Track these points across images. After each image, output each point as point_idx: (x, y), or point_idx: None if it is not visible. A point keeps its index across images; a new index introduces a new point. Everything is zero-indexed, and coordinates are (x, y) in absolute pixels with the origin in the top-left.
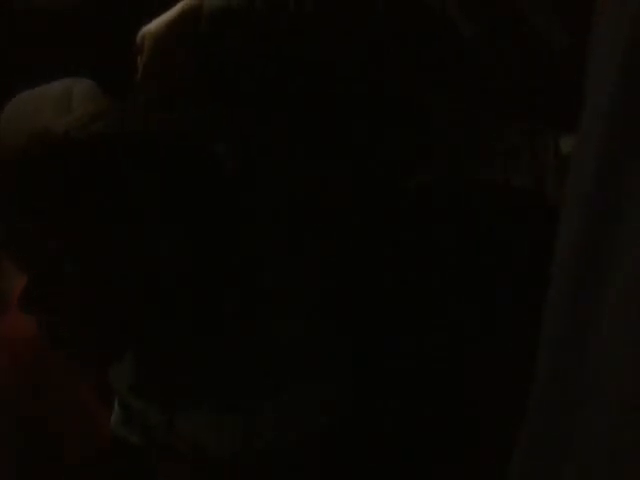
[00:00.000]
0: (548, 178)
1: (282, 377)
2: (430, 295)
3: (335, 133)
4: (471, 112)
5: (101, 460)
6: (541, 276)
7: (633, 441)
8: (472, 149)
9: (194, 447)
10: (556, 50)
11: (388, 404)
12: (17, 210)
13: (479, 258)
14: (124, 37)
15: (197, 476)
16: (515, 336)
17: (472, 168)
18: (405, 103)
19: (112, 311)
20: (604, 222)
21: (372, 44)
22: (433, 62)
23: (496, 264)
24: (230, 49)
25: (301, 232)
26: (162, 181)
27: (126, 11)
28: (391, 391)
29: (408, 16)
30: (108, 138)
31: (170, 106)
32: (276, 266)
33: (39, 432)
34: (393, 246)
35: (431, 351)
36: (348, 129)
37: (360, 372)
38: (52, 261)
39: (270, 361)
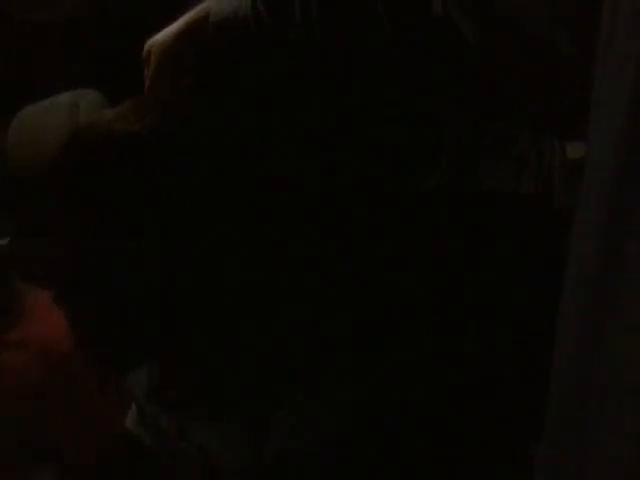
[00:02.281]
0: (555, 183)
1: (293, 388)
2: (434, 298)
3: (337, 137)
4: (473, 117)
5: (101, 460)
6: (547, 280)
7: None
8: (476, 153)
9: (203, 456)
10: (558, 52)
11: (396, 415)
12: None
13: (485, 262)
14: (128, 48)
15: None
16: (517, 339)
17: (476, 173)
18: (407, 105)
19: (129, 320)
20: (621, 223)
21: (375, 48)
22: (436, 63)
23: (501, 268)
24: (236, 58)
25: (304, 234)
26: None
27: (129, 22)
28: (399, 401)
29: (409, 18)
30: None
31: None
32: (285, 274)
33: (45, 431)
34: (396, 250)
35: (433, 354)
36: (350, 132)
37: (369, 380)
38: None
39: (282, 372)
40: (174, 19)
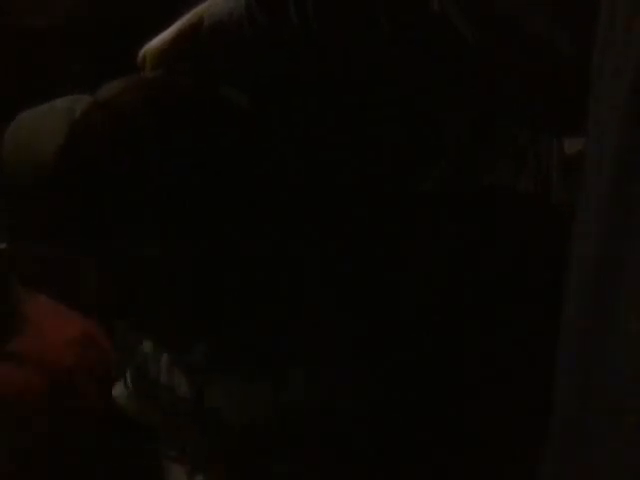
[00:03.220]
0: (552, 181)
1: (311, 346)
2: (434, 298)
3: (335, 137)
4: (472, 116)
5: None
6: (547, 280)
7: None
8: (475, 152)
9: (219, 418)
10: (557, 52)
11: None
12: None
13: (484, 261)
14: (124, 53)
15: (215, 450)
16: (517, 339)
17: (475, 172)
18: (406, 104)
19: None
20: (621, 223)
21: (373, 46)
22: (435, 63)
23: (501, 268)
24: (230, 61)
25: (303, 234)
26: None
27: (126, 27)
28: (400, 406)
29: (408, 16)
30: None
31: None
32: (284, 274)
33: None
34: (396, 249)
35: (433, 354)
36: (349, 132)
37: (362, 345)
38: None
39: (298, 329)
40: (174, 20)
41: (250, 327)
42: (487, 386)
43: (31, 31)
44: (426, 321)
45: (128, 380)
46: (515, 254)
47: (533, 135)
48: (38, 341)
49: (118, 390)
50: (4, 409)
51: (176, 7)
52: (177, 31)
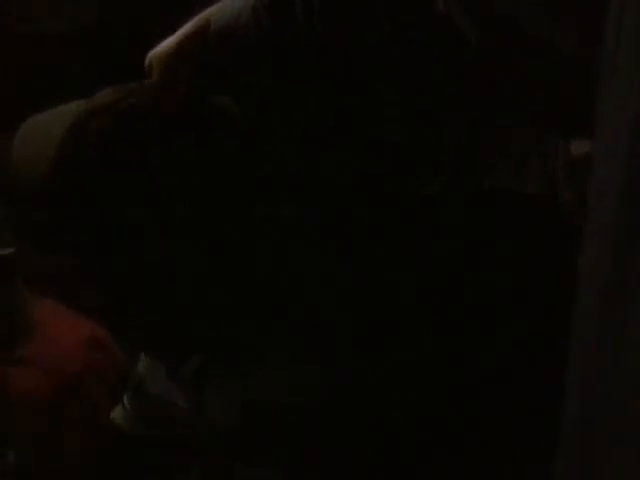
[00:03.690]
0: (558, 182)
1: (311, 346)
2: (434, 299)
3: (336, 137)
4: (472, 116)
5: (101, 459)
6: (546, 278)
7: None
8: (475, 152)
9: (220, 423)
10: (558, 52)
11: (388, 380)
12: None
13: (483, 261)
14: (124, 53)
15: (217, 455)
16: (517, 339)
17: (476, 172)
18: (406, 104)
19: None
20: (630, 222)
21: (374, 47)
22: (435, 63)
23: (500, 267)
24: (236, 64)
25: (304, 234)
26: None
27: (126, 28)
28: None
29: (408, 16)
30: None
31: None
32: (285, 274)
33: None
34: (396, 250)
35: (433, 354)
36: (349, 132)
37: (362, 345)
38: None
39: (299, 329)
40: (174, 20)
41: (250, 327)
42: (487, 386)
43: (32, 32)
44: (426, 321)
45: (126, 402)
46: (516, 254)
47: (537, 135)
48: (46, 344)
49: (116, 412)
50: (13, 411)
51: (175, 9)
52: (184, 35)
